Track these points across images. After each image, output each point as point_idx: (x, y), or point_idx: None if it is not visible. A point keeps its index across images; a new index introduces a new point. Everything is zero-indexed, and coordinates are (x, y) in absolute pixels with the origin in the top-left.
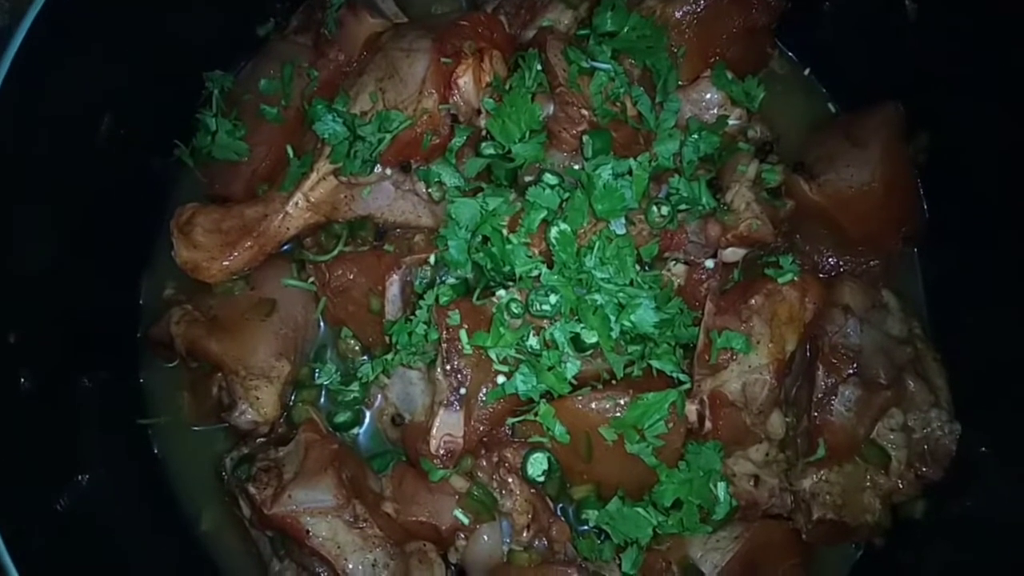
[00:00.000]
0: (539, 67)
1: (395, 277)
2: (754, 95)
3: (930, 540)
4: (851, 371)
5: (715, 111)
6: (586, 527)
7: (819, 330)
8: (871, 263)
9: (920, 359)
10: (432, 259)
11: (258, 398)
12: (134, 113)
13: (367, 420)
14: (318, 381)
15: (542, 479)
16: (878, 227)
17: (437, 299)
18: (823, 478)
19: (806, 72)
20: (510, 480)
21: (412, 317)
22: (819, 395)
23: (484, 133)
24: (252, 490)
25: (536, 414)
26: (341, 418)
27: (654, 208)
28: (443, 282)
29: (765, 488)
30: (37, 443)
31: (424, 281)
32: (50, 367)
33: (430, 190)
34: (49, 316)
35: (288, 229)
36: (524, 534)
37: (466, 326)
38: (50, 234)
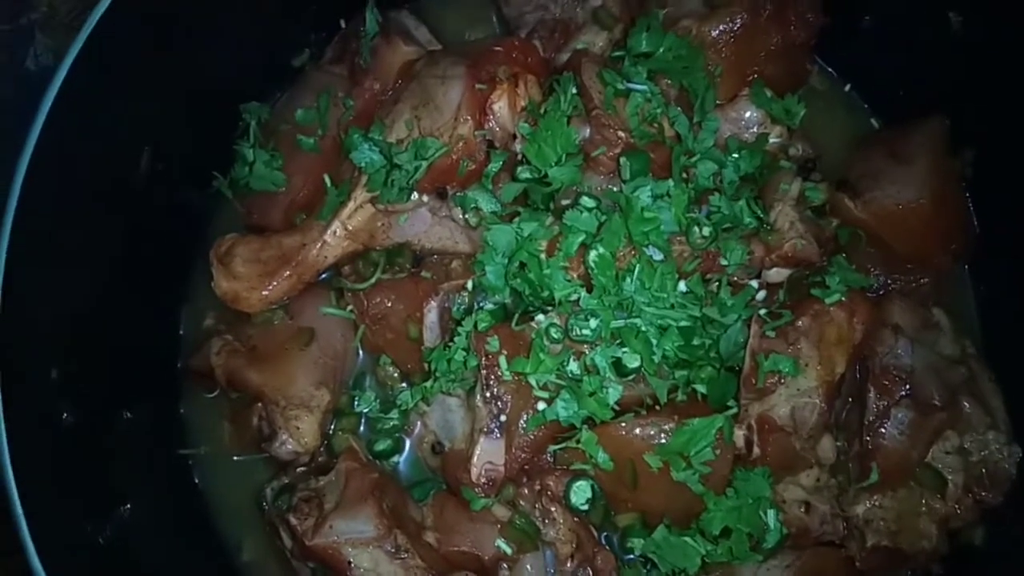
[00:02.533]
0: (574, 90)
1: (433, 304)
2: (794, 112)
3: (990, 567)
4: (903, 393)
5: (755, 129)
6: (631, 556)
7: (869, 351)
8: (920, 281)
9: (975, 379)
10: (470, 285)
11: (298, 428)
12: (173, 147)
13: (407, 448)
14: (357, 409)
15: (586, 507)
16: (927, 244)
17: (476, 325)
18: (877, 503)
19: (847, 88)
20: (553, 509)
21: (451, 344)
22: (871, 418)
23: (520, 158)
24: (293, 520)
25: (578, 441)
26: (381, 446)
27: (695, 228)
28: (481, 308)
29: (816, 514)
30: (79, 475)
31: (462, 307)
32: (92, 401)
33: (467, 216)
34: (91, 350)
35: (326, 258)
36: (568, 564)
37: (505, 352)
38: (91, 269)
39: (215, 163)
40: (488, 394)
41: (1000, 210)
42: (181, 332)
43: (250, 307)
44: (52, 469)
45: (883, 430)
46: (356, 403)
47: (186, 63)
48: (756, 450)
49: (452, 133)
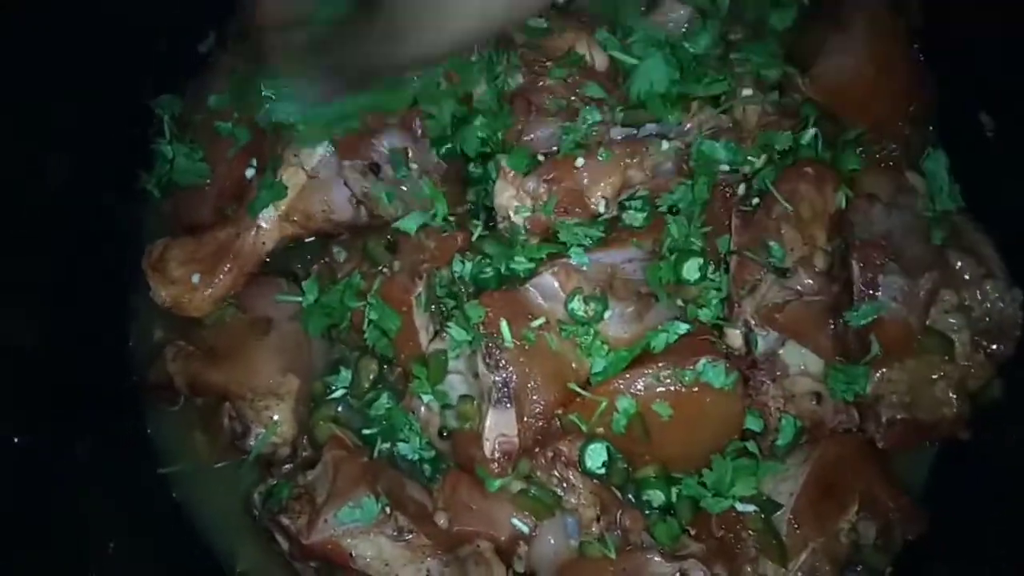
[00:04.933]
0: None
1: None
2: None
3: (1012, 419)
4: (889, 259)
5: (686, 28)
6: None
7: (847, 226)
8: (888, 149)
9: (960, 233)
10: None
11: (272, 418)
12: (86, 151)
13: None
14: (335, 395)
15: (603, 471)
16: (882, 111)
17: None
18: (885, 378)
19: None
20: (570, 475)
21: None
22: (860, 291)
23: None
24: (286, 521)
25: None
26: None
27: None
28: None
29: (829, 405)
30: (58, 524)
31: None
32: (54, 445)
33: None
34: (41, 394)
35: (264, 243)
36: (594, 527)
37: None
38: (25, 301)
39: (136, 165)
40: (491, 362)
41: (959, 63)
42: (132, 348)
43: (197, 310)
44: (26, 523)
45: (876, 302)
46: (332, 388)
47: (83, 58)
48: (759, 343)
49: None
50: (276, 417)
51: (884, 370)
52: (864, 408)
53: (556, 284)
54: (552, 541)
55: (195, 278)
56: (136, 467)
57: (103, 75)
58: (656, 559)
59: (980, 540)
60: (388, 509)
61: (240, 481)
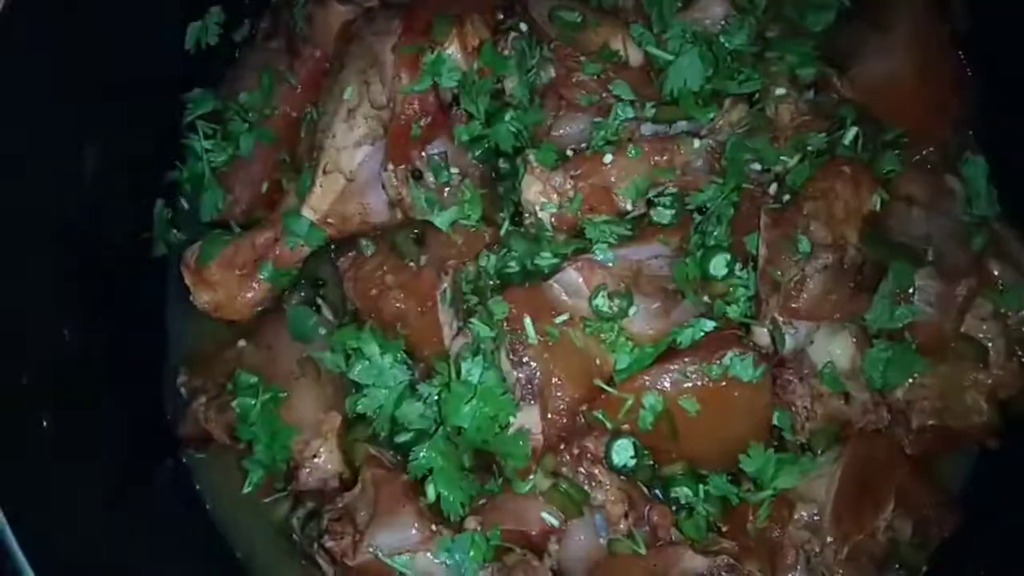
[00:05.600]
0: (524, 27)
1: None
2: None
3: None
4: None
5: (722, 25)
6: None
7: (884, 228)
8: (926, 152)
9: (1000, 241)
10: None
11: (316, 459)
12: (120, 149)
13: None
14: (360, 410)
15: (633, 462)
16: (920, 115)
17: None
18: (917, 383)
19: None
20: (596, 471)
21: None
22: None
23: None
24: (329, 543)
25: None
26: (404, 438)
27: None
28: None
29: (857, 404)
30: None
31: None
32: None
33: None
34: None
35: (303, 247)
36: (621, 524)
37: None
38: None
39: (169, 158)
40: (515, 358)
41: (997, 62)
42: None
43: (236, 314)
44: None
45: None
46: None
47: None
48: (787, 341)
49: (396, 92)
50: (322, 458)
51: (917, 375)
52: (895, 412)
53: (580, 280)
54: (582, 538)
55: (235, 282)
56: (173, 499)
57: (131, 64)
58: (688, 553)
59: (1018, 540)
60: (434, 527)
61: (275, 509)
